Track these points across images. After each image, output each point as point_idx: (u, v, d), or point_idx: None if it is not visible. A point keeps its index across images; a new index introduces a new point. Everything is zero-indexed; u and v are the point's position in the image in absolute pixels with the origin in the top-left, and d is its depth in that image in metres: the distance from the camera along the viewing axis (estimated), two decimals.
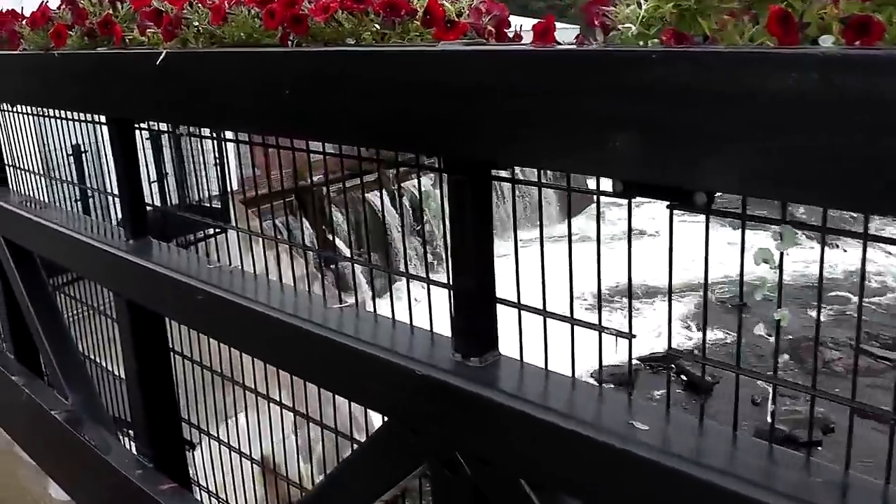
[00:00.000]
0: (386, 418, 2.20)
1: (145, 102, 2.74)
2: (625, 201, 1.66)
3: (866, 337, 18.92)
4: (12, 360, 4.54)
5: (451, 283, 2.08)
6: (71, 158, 5.94)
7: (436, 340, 2.16)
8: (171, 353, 3.23)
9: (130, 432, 4.38)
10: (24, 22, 3.45)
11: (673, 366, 17.47)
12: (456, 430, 2.00)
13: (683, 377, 16.83)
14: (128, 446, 4.03)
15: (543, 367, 1.99)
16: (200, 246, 3.80)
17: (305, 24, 2.09)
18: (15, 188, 4.51)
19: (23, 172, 4.39)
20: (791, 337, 18.28)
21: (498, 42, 2.02)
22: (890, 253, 22.44)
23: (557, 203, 22.37)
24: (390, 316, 2.27)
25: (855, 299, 20.50)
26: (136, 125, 3.05)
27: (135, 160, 3.07)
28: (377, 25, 2.09)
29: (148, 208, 3.21)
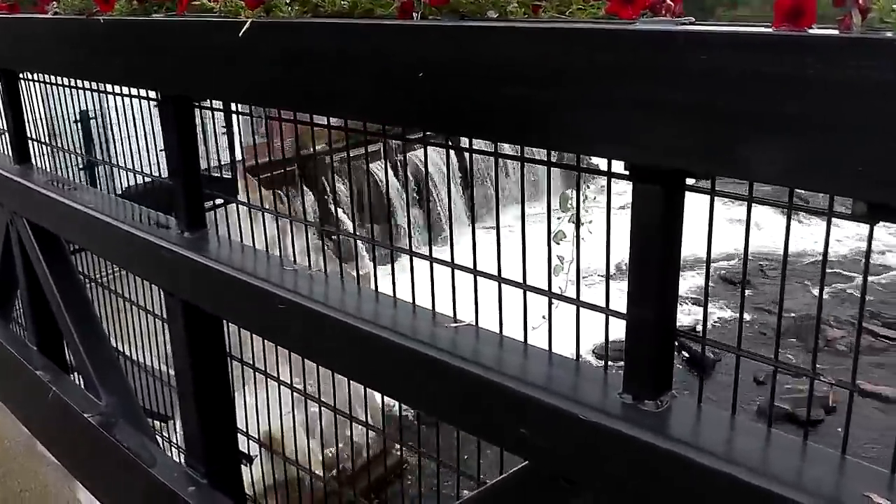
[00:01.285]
0: (526, 461, 1.86)
1: (217, 79, 2.36)
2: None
3: (868, 316, 18.85)
4: (35, 353, 4.16)
5: (607, 305, 1.76)
6: (78, 125, 5.55)
7: (586, 374, 1.82)
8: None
9: (162, 427, 4.05)
10: None
11: (675, 342, 17.29)
12: (623, 484, 1.67)
13: (685, 353, 16.67)
14: (163, 446, 3.71)
15: (729, 413, 1.67)
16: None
17: None
18: (39, 164, 4.13)
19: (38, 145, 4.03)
20: (795, 315, 18.11)
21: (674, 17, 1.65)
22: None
23: (562, 176, 22.08)
24: (520, 337, 1.93)
25: (858, 278, 20.37)
26: (197, 103, 2.67)
27: (193, 142, 2.70)
28: None
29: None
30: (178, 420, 3.95)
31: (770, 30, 1.31)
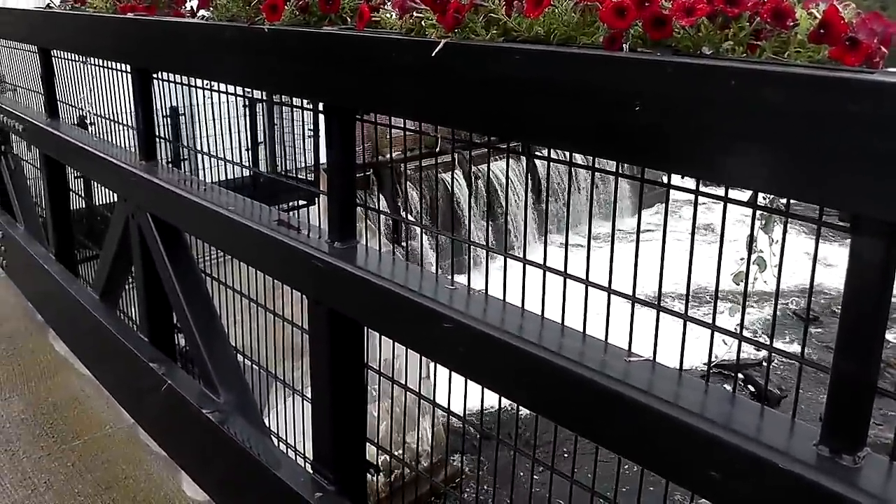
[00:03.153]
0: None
1: (392, 96, 2.39)
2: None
3: None
4: (146, 344, 4.25)
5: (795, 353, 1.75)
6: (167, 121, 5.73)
7: (771, 419, 1.81)
8: None
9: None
10: None
11: (742, 375, 17.04)
12: None
13: (751, 388, 16.44)
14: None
15: None
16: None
17: (669, 27, 1.72)
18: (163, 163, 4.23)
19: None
20: None
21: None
22: None
23: (630, 197, 21.86)
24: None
25: None
26: (359, 115, 2.71)
27: (352, 154, 2.73)
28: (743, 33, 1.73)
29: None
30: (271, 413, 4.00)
31: None
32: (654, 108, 1.70)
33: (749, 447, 1.69)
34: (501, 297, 2.33)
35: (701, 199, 1.95)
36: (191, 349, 3.92)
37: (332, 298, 2.77)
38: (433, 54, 2.10)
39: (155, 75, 4.04)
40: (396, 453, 3.14)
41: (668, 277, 2.00)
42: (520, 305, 2.27)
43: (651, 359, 2.00)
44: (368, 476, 3.04)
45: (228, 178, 4.21)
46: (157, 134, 4.21)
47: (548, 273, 2.19)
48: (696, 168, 1.73)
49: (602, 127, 1.83)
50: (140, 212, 4.10)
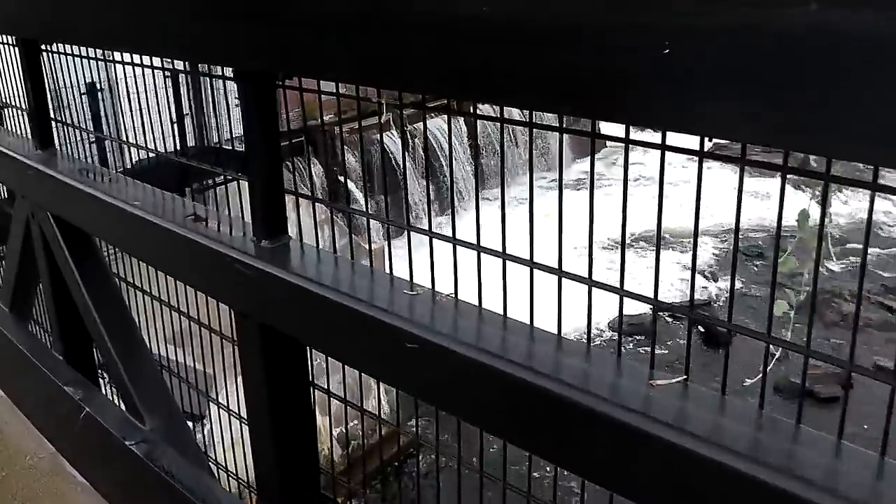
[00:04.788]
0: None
1: (321, 53, 1.87)
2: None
3: (883, 290, 18.60)
4: (62, 364, 3.68)
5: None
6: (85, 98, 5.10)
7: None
8: None
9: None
10: None
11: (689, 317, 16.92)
12: None
13: (701, 329, 16.40)
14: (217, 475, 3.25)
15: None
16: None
17: None
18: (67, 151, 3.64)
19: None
20: (809, 289, 17.67)
21: None
22: None
23: (569, 145, 21.51)
24: None
25: (872, 251, 20.01)
26: (279, 82, 2.18)
27: (275, 129, 2.20)
28: None
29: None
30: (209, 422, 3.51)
31: None
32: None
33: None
34: (476, 303, 1.84)
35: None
36: (109, 370, 3.38)
37: (262, 312, 2.25)
38: None
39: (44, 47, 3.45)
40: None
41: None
42: (501, 313, 1.78)
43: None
44: None
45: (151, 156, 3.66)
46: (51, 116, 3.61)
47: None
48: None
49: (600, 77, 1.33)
50: (40, 211, 3.52)
